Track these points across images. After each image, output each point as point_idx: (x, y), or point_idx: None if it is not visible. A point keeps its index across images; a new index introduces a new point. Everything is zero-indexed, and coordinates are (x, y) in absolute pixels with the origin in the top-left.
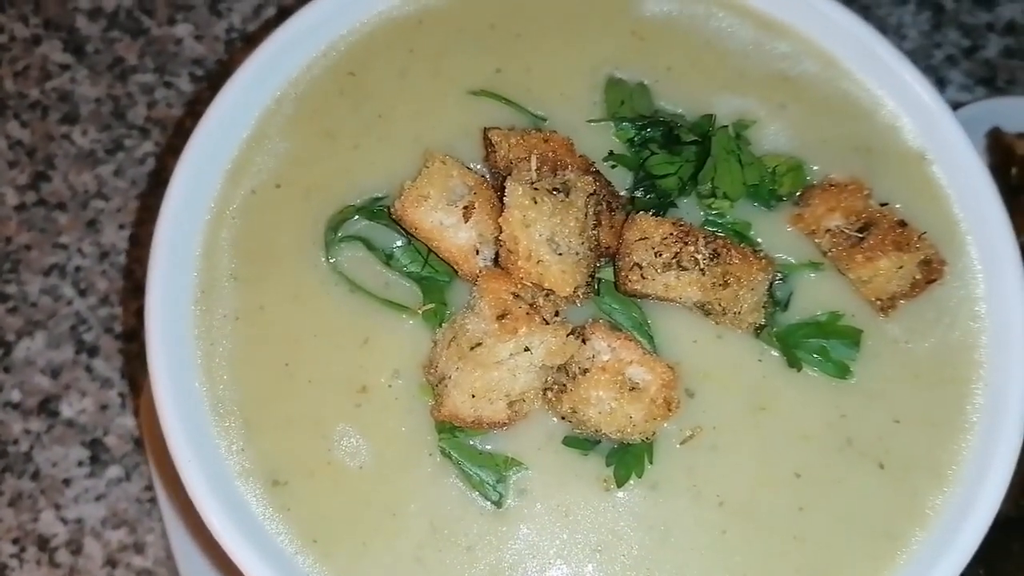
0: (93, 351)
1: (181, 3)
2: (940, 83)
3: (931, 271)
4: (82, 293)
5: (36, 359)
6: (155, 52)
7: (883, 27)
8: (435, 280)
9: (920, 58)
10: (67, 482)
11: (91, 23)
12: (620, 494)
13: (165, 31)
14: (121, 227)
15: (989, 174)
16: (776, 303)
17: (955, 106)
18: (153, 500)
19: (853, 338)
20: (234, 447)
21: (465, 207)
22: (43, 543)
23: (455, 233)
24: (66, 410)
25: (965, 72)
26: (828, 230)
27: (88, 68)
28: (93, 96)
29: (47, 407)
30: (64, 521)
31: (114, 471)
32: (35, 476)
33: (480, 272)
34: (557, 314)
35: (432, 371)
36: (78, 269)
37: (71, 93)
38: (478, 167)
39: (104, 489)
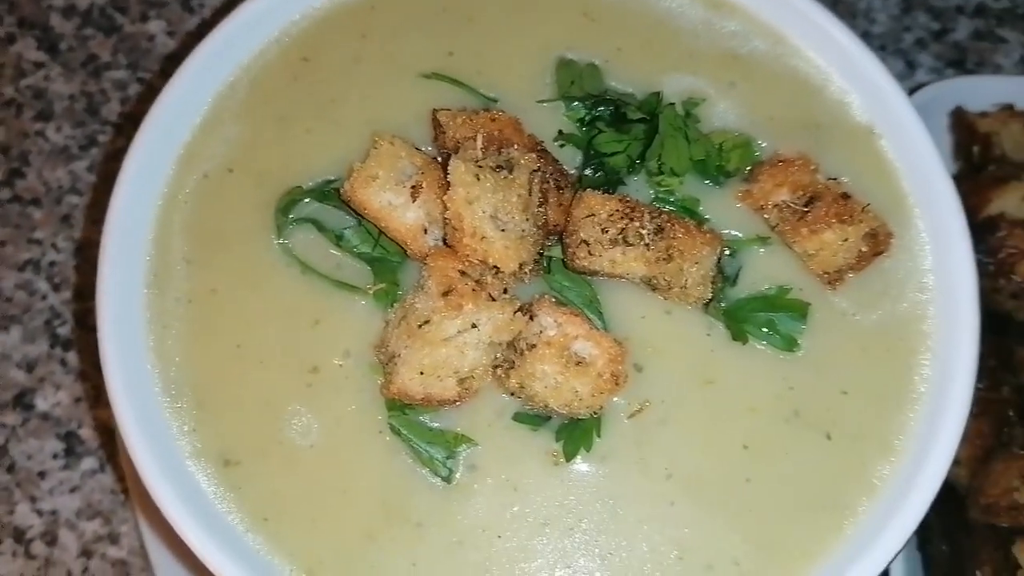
0: (67, 345)
1: (154, 0)
2: (910, 66)
3: (878, 243)
4: (56, 288)
5: (11, 353)
6: (128, 49)
7: (853, 11)
8: (386, 260)
9: (890, 41)
10: (42, 474)
11: (65, 21)
12: (569, 468)
13: (138, 28)
14: (95, 222)
15: (935, 148)
16: (725, 278)
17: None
18: (126, 492)
19: (800, 311)
20: (186, 428)
21: (413, 187)
22: (19, 535)
23: (403, 213)
24: (41, 403)
25: (935, 55)
26: (776, 205)
27: (62, 65)
28: (67, 93)
29: (22, 400)
30: (39, 513)
31: (88, 463)
32: (10, 469)
33: (429, 251)
34: (505, 291)
35: (383, 350)
36: (52, 264)
37: (45, 90)
38: (429, 149)
39: (79, 481)
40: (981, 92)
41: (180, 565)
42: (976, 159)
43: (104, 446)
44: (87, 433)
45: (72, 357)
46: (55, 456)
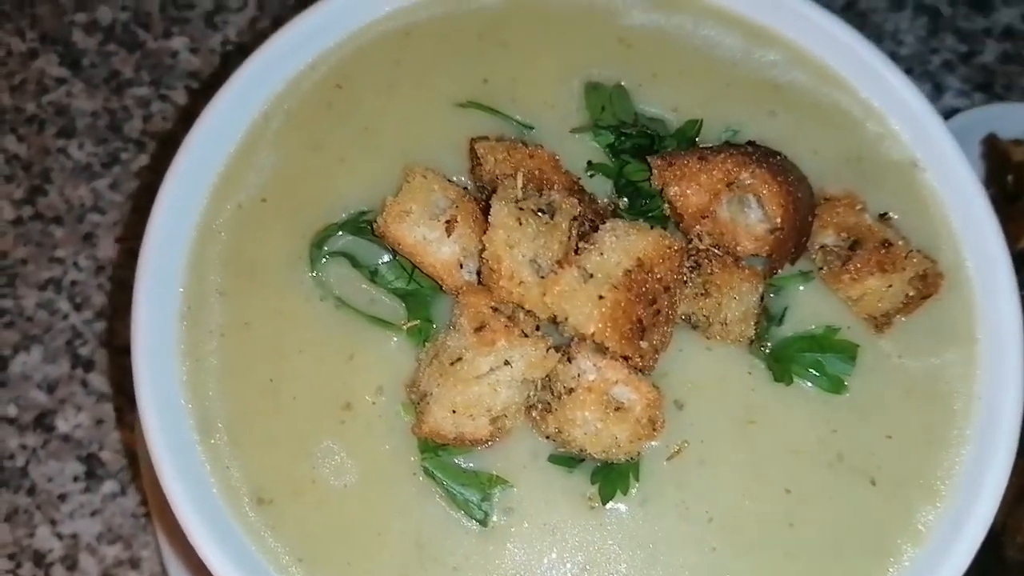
0: (88, 365)
1: (177, 16)
2: (937, 89)
3: (928, 286)
4: (78, 307)
5: (32, 374)
6: (151, 65)
7: (879, 33)
8: (420, 296)
9: (917, 64)
10: (62, 497)
11: (87, 37)
12: (608, 511)
13: (161, 44)
14: (117, 241)
15: (980, 182)
16: (770, 317)
17: (952, 112)
18: (148, 515)
19: (849, 352)
20: (219, 465)
21: (447, 221)
22: (39, 559)
23: (438, 247)
24: (62, 425)
25: (962, 78)
26: (821, 247)
27: (84, 82)
28: (89, 110)
29: (43, 422)
30: (59, 536)
31: (109, 486)
32: (31, 491)
33: (464, 286)
34: (538, 328)
35: (415, 389)
36: (74, 283)
37: (67, 107)
38: (464, 180)
39: (99, 504)
40: (1014, 119)
41: None
42: (1010, 188)
43: (125, 469)
44: (108, 455)
45: (94, 378)
46: (76, 479)
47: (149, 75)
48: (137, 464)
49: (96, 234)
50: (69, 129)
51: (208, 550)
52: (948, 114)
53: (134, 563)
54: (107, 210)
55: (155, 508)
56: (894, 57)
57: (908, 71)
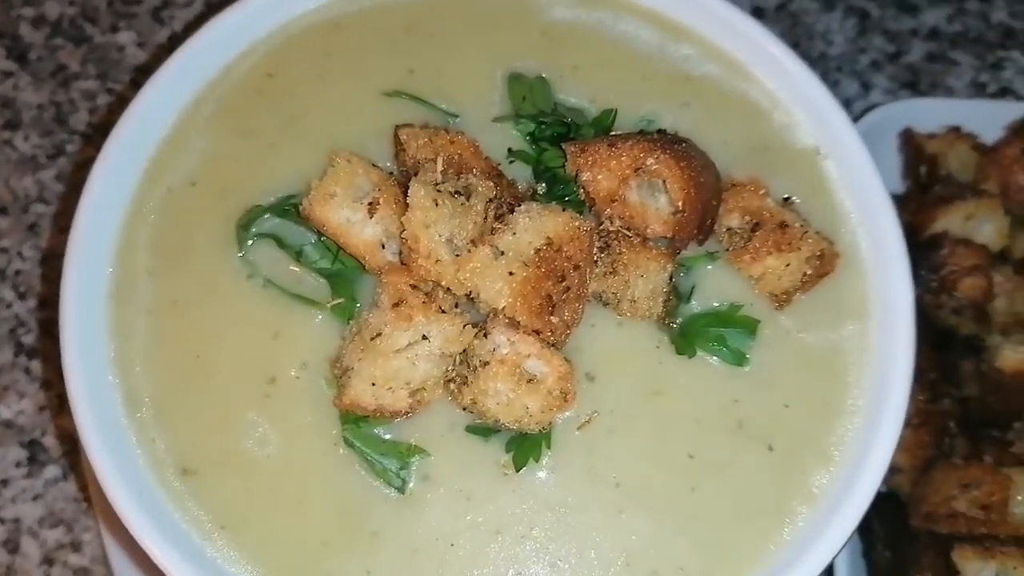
0: (32, 353)
1: (124, 11)
2: (865, 87)
3: (824, 264)
4: (21, 296)
5: None
6: (98, 59)
7: (810, 33)
8: (344, 276)
9: (846, 63)
10: (5, 482)
11: (35, 31)
12: (521, 478)
13: (108, 38)
14: (61, 231)
15: (876, 168)
16: (679, 295)
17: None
18: (89, 500)
19: (751, 327)
20: (145, 437)
21: (370, 203)
22: None
23: (361, 229)
24: (4, 411)
25: (889, 76)
26: (728, 229)
27: (31, 75)
28: (35, 102)
29: None
30: (1, 521)
31: (51, 471)
32: None
33: (387, 266)
34: (456, 305)
35: (338, 365)
36: (18, 272)
37: (14, 99)
38: (389, 166)
39: (41, 489)
40: (930, 114)
41: (141, 573)
42: (923, 179)
43: (67, 455)
44: (50, 442)
45: (36, 366)
46: (18, 464)
47: (95, 69)
48: (78, 450)
49: (40, 224)
50: (15, 121)
51: (132, 518)
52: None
53: (75, 546)
54: (52, 201)
55: (95, 492)
56: (824, 57)
57: (838, 70)
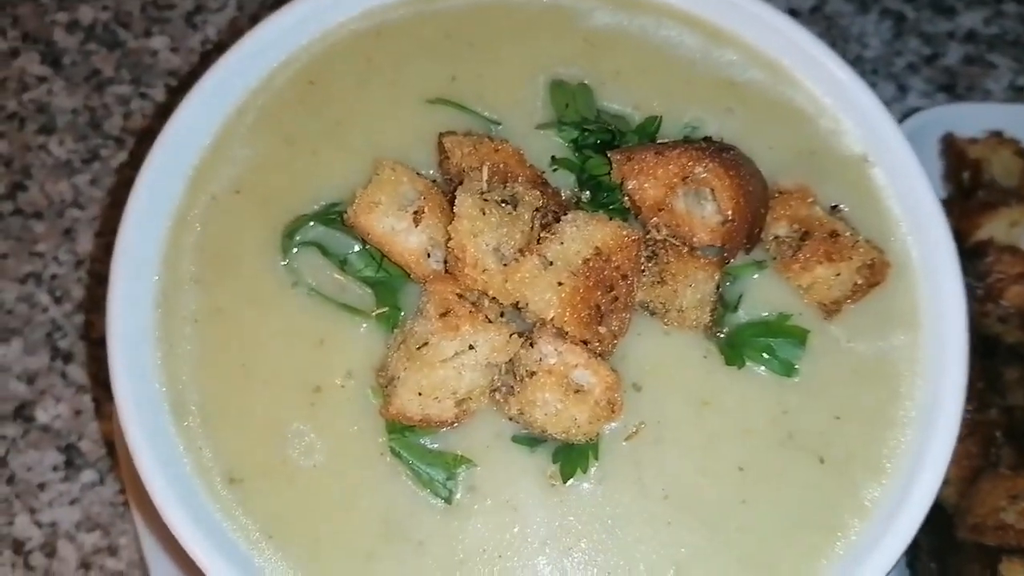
0: (68, 357)
1: (157, 16)
2: (901, 90)
3: (875, 274)
4: (57, 300)
5: (12, 366)
6: (131, 64)
7: (846, 36)
8: (389, 284)
9: (882, 66)
10: (42, 486)
11: (68, 36)
12: (568, 489)
13: (141, 43)
14: (97, 235)
15: (926, 176)
16: (725, 304)
17: (914, 112)
18: (126, 504)
19: (800, 337)
20: (192, 446)
21: (415, 212)
22: (18, 547)
23: (406, 237)
24: (41, 415)
25: (926, 79)
26: (775, 237)
27: (65, 80)
28: (70, 107)
29: (22, 413)
30: (39, 525)
31: (88, 475)
32: (10, 481)
33: (431, 274)
34: (502, 315)
35: (383, 374)
36: (54, 277)
37: (48, 104)
38: (432, 173)
39: (78, 493)
40: (971, 119)
41: None
42: (966, 185)
43: (104, 458)
44: (87, 446)
45: (73, 370)
46: (55, 468)
47: (129, 73)
48: (115, 453)
49: (76, 229)
50: (50, 126)
51: (181, 526)
52: (910, 114)
53: (112, 550)
54: (87, 205)
55: (133, 496)
56: (860, 59)
57: (873, 72)
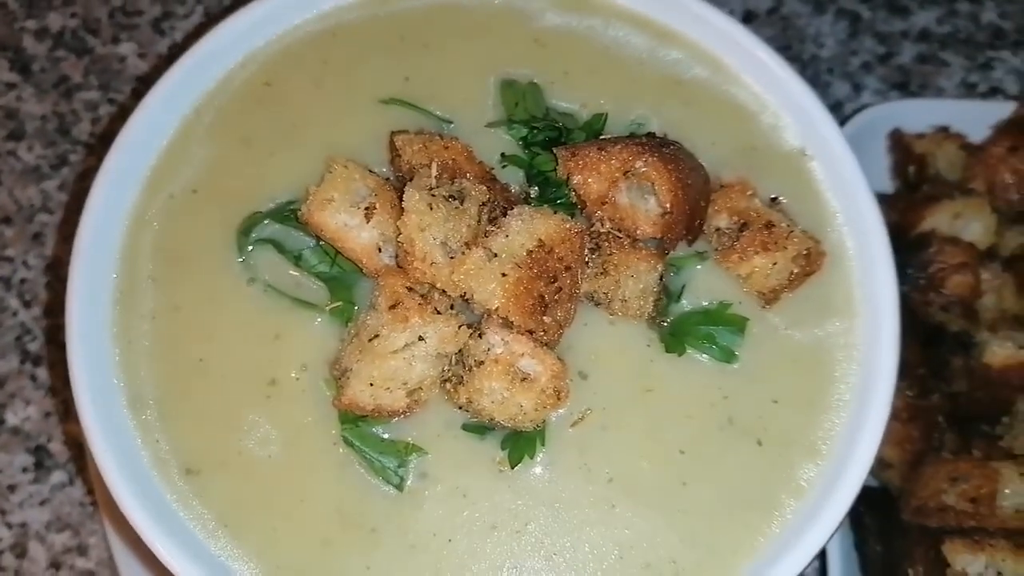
0: (37, 360)
1: (125, 23)
2: (856, 88)
3: (811, 263)
4: (27, 304)
5: None
6: (100, 70)
7: (802, 36)
8: (342, 279)
9: (837, 64)
10: (12, 488)
11: (37, 43)
12: (517, 474)
13: (110, 50)
14: (65, 240)
15: (860, 168)
16: (670, 294)
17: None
18: (95, 504)
19: (739, 325)
20: (150, 438)
21: (367, 208)
22: None
23: (358, 233)
24: (11, 418)
25: (880, 78)
26: (716, 229)
27: (34, 86)
28: (39, 113)
29: None
30: (9, 526)
31: (58, 476)
32: None
33: (382, 269)
34: (452, 307)
35: (337, 366)
36: (23, 281)
37: (17, 111)
38: (385, 171)
39: (48, 494)
40: (920, 114)
41: (147, 575)
42: (912, 178)
43: (73, 460)
44: (56, 447)
45: (42, 372)
46: (24, 470)
47: (98, 80)
48: (84, 455)
49: (44, 233)
50: (19, 132)
51: (138, 516)
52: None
53: (82, 550)
54: (55, 210)
55: (101, 496)
56: (815, 59)
57: (829, 72)
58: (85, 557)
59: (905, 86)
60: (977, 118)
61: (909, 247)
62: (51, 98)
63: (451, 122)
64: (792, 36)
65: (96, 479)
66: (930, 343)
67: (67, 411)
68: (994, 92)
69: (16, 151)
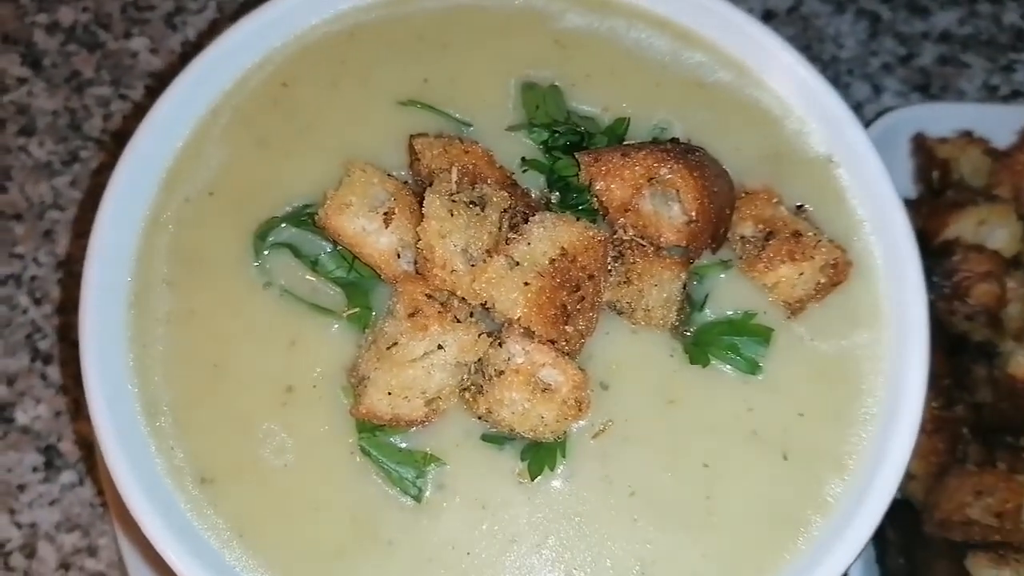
0: (47, 359)
1: (137, 17)
2: (876, 90)
3: (838, 273)
4: (37, 302)
5: None
6: (111, 65)
7: (822, 37)
8: (360, 285)
9: (857, 66)
10: (21, 487)
11: (49, 37)
12: (536, 486)
13: (121, 44)
14: (77, 237)
15: (889, 176)
16: (693, 303)
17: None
18: (105, 505)
19: (764, 336)
20: (164, 445)
21: (385, 213)
22: None
23: (377, 238)
24: (21, 417)
25: (900, 79)
26: (741, 237)
27: (45, 81)
28: (50, 108)
29: (2, 414)
30: (18, 526)
31: (68, 476)
32: None
33: (402, 275)
34: (472, 315)
35: (354, 374)
36: (34, 278)
37: (28, 106)
38: (403, 175)
39: (58, 494)
40: (942, 118)
41: None
42: (935, 184)
43: (83, 460)
44: (67, 447)
45: (52, 371)
46: (34, 469)
47: (109, 75)
48: (94, 455)
49: (55, 231)
50: (30, 128)
51: (151, 525)
52: (884, 114)
53: (92, 551)
54: (67, 207)
55: (111, 497)
56: (835, 60)
57: (849, 73)
58: (95, 558)
59: (926, 88)
60: (1001, 122)
61: (933, 255)
62: (62, 93)
63: (471, 125)
64: (812, 36)
65: (105, 480)
66: (954, 352)
67: (78, 410)
68: (1016, 95)
69: (27, 147)
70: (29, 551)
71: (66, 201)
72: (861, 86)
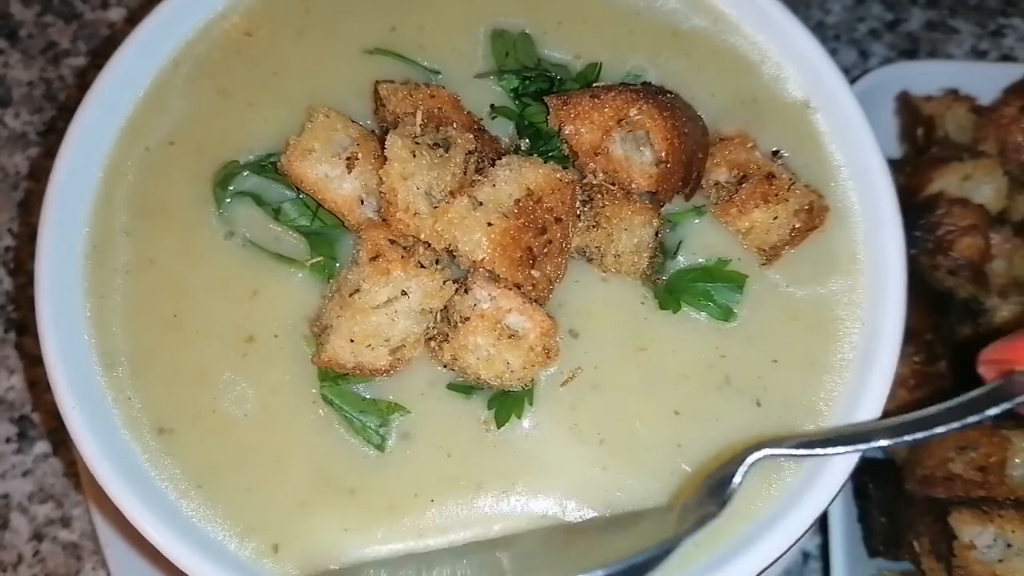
0: (22, 329)
1: None
2: (863, 55)
3: (813, 218)
4: (12, 273)
5: None
6: (88, 36)
7: (808, 2)
8: (323, 234)
9: (844, 31)
10: None
11: (25, 8)
12: (503, 434)
13: (98, 15)
14: None
15: (866, 120)
16: (666, 250)
17: None
18: (79, 475)
19: (738, 282)
20: (121, 396)
21: (348, 158)
22: None
23: (339, 184)
24: None
25: (888, 44)
26: (715, 183)
27: (21, 52)
28: (26, 79)
29: None
30: None
31: (41, 447)
32: None
33: (365, 222)
34: (437, 262)
35: (317, 323)
36: (7, 249)
37: (4, 77)
38: (370, 124)
39: (31, 465)
40: (928, 77)
41: (130, 547)
42: (920, 141)
43: (57, 430)
44: (40, 417)
45: (27, 342)
46: (8, 440)
47: (86, 45)
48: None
49: (31, 201)
50: (5, 99)
51: (106, 475)
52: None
53: (65, 522)
54: (42, 178)
55: (84, 468)
56: (821, 25)
57: (835, 39)
58: (68, 529)
59: (913, 53)
60: (987, 81)
61: (916, 209)
62: (38, 64)
63: (439, 73)
64: (798, 1)
65: (75, 447)
66: (939, 310)
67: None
68: (1005, 60)
69: (3, 118)
70: (2, 522)
71: (41, 172)
72: (848, 51)
